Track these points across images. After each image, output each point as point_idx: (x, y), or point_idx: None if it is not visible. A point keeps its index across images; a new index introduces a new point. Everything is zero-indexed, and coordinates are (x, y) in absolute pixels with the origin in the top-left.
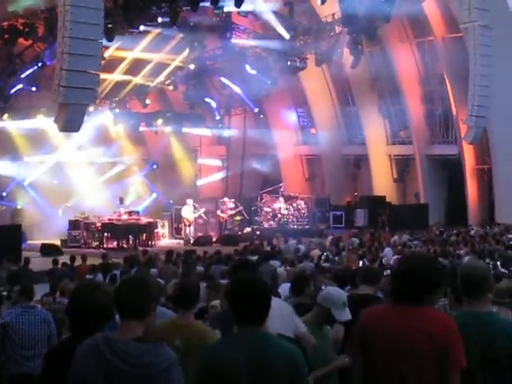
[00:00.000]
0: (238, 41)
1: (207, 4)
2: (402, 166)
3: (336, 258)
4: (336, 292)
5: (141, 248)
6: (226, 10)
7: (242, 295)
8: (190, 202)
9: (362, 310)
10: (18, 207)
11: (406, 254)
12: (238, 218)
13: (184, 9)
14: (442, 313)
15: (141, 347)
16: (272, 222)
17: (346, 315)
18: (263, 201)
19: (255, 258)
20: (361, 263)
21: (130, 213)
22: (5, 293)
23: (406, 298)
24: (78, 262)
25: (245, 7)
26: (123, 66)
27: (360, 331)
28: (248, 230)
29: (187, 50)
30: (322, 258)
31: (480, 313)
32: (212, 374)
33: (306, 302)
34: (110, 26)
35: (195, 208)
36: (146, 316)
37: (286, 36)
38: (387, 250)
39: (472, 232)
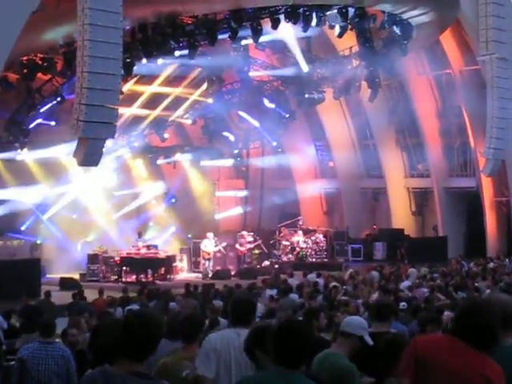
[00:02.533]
0: (255, 73)
1: (225, 37)
2: (421, 199)
3: (354, 291)
4: (360, 318)
5: (159, 282)
6: (243, 43)
7: (289, 339)
8: (210, 235)
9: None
10: (38, 242)
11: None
12: (257, 251)
13: (202, 43)
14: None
15: (138, 382)
16: (290, 256)
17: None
18: (282, 234)
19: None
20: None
21: (148, 247)
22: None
23: (472, 340)
24: (95, 295)
25: (266, 38)
26: (141, 100)
27: (417, 357)
28: (266, 263)
29: (205, 84)
30: (341, 291)
31: (508, 346)
32: None
33: (316, 336)
34: (128, 60)
35: (215, 242)
36: (146, 359)
37: (305, 68)
38: (406, 282)
39: (490, 265)
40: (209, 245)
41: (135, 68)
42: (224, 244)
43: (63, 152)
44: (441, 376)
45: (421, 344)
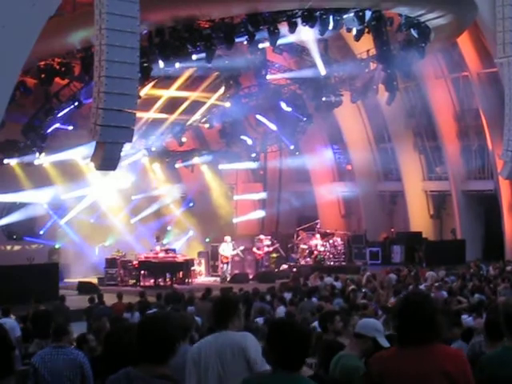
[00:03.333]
0: (273, 76)
1: (242, 40)
2: (439, 202)
3: (372, 295)
4: (374, 320)
5: (177, 286)
6: (260, 46)
7: (282, 340)
8: (228, 239)
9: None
10: (56, 246)
11: (404, 297)
12: (275, 255)
13: (219, 47)
14: (452, 348)
15: None
16: (308, 259)
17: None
18: (299, 238)
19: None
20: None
21: (166, 250)
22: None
23: (412, 340)
24: (113, 299)
25: (283, 40)
26: (159, 105)
27: (376, 376)
28: (284, 267)
29: (223, 88)
30: (359, 294)
31: None
32: None
33: (330, 338)
34: (145, 64)
35: (233, 245)
36: (166, 361)
37: (323, 71)
38: (423, 285)
39: (509, 268)
40: (227, 249)
41: (153, 71)
42: (242, 248)
43: (81, 156)
44: None
45: (378, 361)
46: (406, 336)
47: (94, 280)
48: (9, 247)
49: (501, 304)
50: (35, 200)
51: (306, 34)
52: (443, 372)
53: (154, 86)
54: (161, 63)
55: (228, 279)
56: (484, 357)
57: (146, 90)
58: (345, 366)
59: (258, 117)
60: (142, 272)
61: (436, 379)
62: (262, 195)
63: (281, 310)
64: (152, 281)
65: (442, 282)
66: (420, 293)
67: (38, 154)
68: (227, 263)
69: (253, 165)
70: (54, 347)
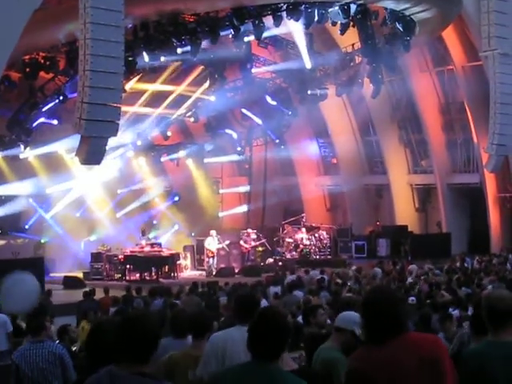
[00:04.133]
0: (258, 70)
1: (227, 33)
2: (424, 195)
3: (357, 288)
4: (354, 313)
5: (163, 280)
6: (246, 39)
7: (259, 332)
8: (213, 233)
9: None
10: (42, 241)
11: (365, 295)
12: (261, 248)
13: (204, 41)
14: (426, 334)
15: (144, 383)
16: (294, 253)
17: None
18: (285, 231)
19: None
20: None
21: (152, 245)
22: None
23: (380, 336)
24: (100, 294)
25: (270, 33)
26: (144, 99)
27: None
28: (270, 260)
29: (208, 82)
30: (346, 288)
31: (505, 342)
32: None
33: (315, 332)
34: (130, 58)
35: (219, 239)
36: (148, 359)
37: (308, 64)
38: (409, 279)
39: (494, 260)
40: (212, 243)
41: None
42: (227, 242)
43: (66, 150)
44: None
45: (354, 363)
46: (373, 333)
47: (80, 274)
48: None
49: (483, 297)
50: (20, 193)
51: (293, 27)
52: (419, 358)
53: (139, 80)
54: (146, 57)
55: (214, 273)
56: (467, 351)
57: (131, 84)
58: (325, 358)
59: (243, 110)
60: (128, 266)
61: (415, 367)
62: (247, 188)
63: (263, 304)
64: (138, 275)
65: (426, 276)
66: (379, 288)
67: (22, 148)
68: (213, 257)
69: (238, 158)
70: (32, 342)
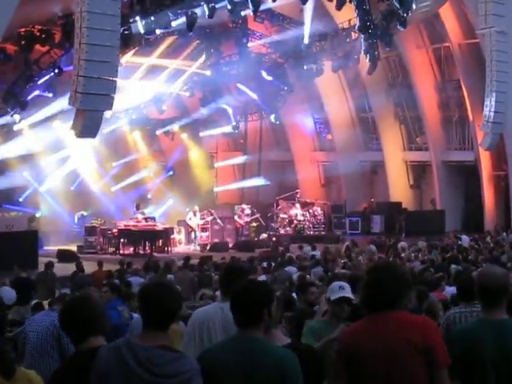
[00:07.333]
0: (254, 43)
1: (223, 7)
2: (419, 172)
3: (351, 264)
4: (341, 283)
5: (156, 254)
6: (242, 14)
7: (240, 301)
8: (197, 208)
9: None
10: (37, 215)
11: (374, 264)
12: (255, 224)
13: (200, 15)
14: (418, 316)
15: (165, 356)
16: (288, 229)
17: (342, 294)
18: (279, 207)
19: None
20: None
21: (146, 219)
22: None
23: (378, 305)
24: (94, 268)
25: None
26: (140, 72)
27: (344, 357)
28: (264, 236)
29: (203, 57)
30: (339, 264)
31: (497, 320)
32: (207, 374)
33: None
34: (126, 32)
35: (201, 216)
36: (167, 328)
37: (306, 39)
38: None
39: (487, 238)
40: (193, 218)
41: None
42: (211, 217)
43: (61, 123)
44: (373, 363)
45: (343, 343)
46: (374, 301)
47: (74, 248)
48: None
49: (475, 275)
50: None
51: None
52: (409, 342)
53: (134, 54)
54: (141, 29)
55: (199, 248)
56: (457, 330)
57: (127, 58)
58: (307, 327)
59: (239, 85)
60: (122, 240)
61: (405, 352)
62: (243, 158)
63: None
64: (131, 249)
65: (417, 253)
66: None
67: (17, 121)
68: (193, 231)
69: (232, 130)
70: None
